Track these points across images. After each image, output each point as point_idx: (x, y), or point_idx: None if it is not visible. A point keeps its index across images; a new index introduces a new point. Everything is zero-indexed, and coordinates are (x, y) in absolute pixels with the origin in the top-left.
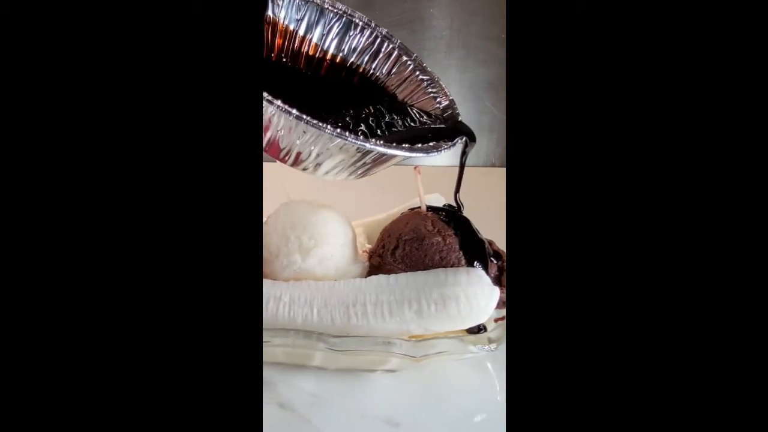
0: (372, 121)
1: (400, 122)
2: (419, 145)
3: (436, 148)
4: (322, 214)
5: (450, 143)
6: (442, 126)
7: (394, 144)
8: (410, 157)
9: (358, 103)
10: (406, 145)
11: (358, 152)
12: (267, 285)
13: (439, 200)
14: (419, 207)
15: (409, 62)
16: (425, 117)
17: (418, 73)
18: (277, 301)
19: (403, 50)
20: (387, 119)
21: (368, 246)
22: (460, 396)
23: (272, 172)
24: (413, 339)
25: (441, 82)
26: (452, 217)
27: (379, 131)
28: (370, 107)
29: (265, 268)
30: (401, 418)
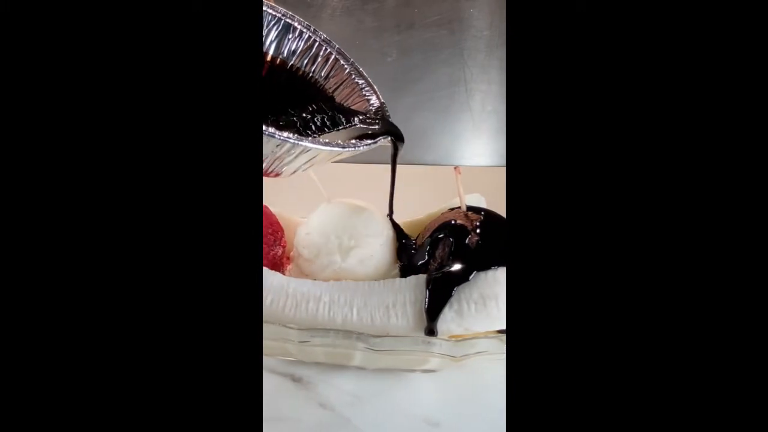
0: (314, 119)
1: (338, 121)
2: (339, 142)
3: (355, 145)
4: (363, 215)
5: (372, 141)
6: (373, 125)
7: (312, 138)
8: (324, 150)
9: (300, 103)
10: (326, 140)
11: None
12: (307, 285)
13: (479, 200)
14: (459, 207)
15: (345, 66)
16: (360, 116)
17: (354, 76)
18: (317, 301)
19: (341, 55)
20: (327, 119)
21: None
22: (499, 396)
23: (309, 173)
24: (453, 338)
25: (374, 86)
26: (491, 216)
27: (314, 128)
28: (312, 107)
29: (305, 268)
30: (441, 418)
